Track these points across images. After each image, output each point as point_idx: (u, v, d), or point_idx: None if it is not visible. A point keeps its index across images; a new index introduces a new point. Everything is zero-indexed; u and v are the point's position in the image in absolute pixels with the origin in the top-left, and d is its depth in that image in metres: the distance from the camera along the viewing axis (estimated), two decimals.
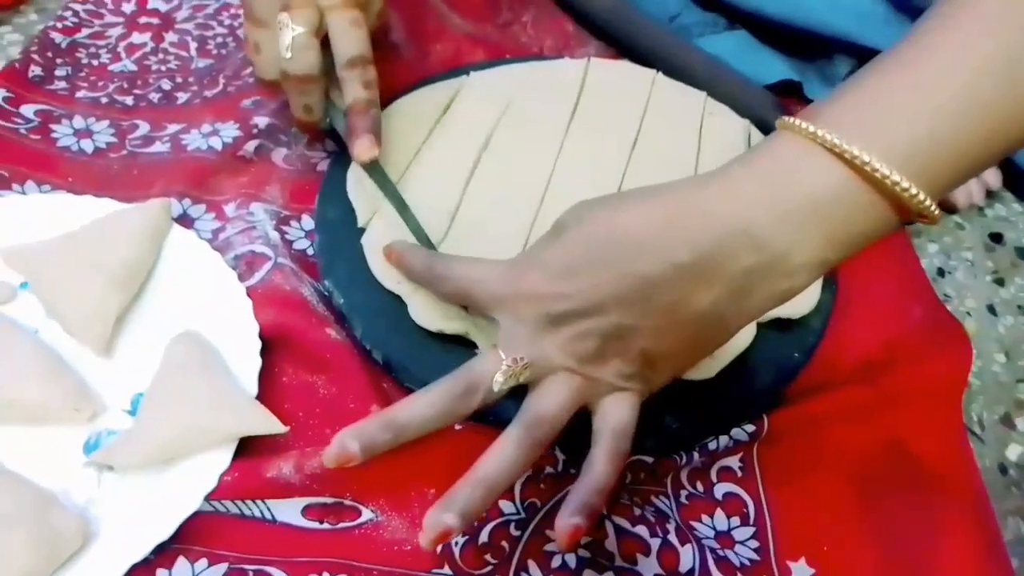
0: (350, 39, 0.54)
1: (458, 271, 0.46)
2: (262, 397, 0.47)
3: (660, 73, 0.68)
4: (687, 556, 0.43)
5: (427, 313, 0.50)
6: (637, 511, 0.44)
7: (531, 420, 0.41)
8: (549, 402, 0.42)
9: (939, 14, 0.37)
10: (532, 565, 0.42)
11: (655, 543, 0.43)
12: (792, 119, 0.38)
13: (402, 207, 0.54)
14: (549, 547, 0.43)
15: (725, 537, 0.46)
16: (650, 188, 0.41)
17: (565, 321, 0.41)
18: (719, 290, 0.38)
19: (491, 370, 0.42)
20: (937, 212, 0.37)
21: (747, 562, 0.45)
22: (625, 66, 0.70)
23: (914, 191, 0.36)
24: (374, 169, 0.55)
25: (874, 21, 0.69)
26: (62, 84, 0.65)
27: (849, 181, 0.36)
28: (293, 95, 0.56)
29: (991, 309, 0.61)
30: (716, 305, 0.38)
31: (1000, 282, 0.63)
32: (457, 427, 0.46)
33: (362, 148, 0.53)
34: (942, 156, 0.36)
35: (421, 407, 0.42)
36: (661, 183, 0.41)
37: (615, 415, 0.42)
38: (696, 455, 0.47)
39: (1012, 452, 0.52)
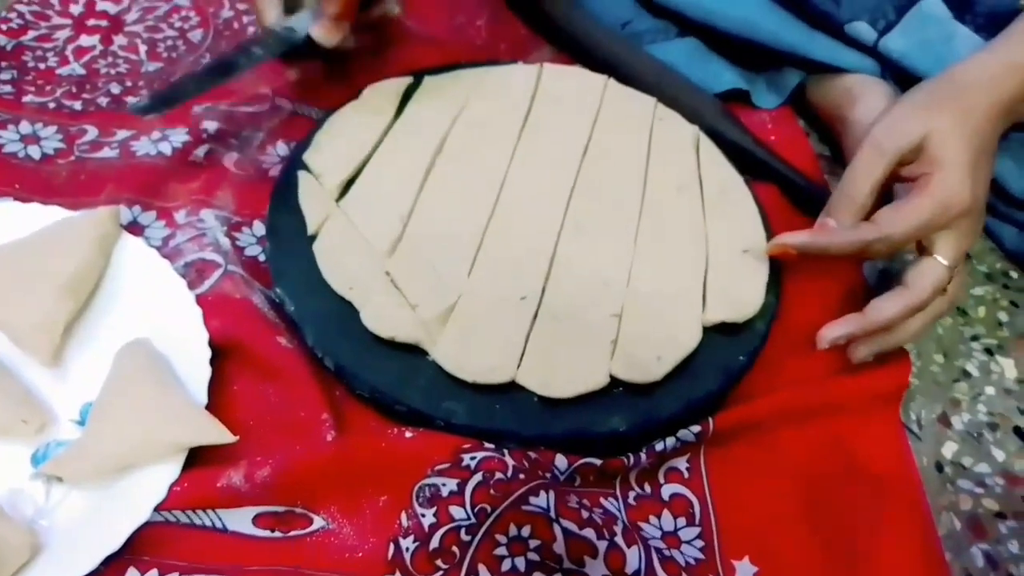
0: None
1: (898, 229, 0.51)
2: (212, 406, 0.47)
3: (612, 79, 0.69)
4: (633, 557, 0.44)
5: (379, 319, 0.51)
6: (585, 514, 0.45)
7: (943, 308, 0.55)
8: (957, 292, 0.55)
9: None
10: (482, 569, 0.43)
11: (602, 545, 0.44)
12: None
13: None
14: (499, 551, 0.44)
15: (671, 537, 0.47)
16: (942, 85, 0.54)
17: (982, 212, 0.53)
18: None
19: (945, 281, 0.52)
20: None
21: (692, 561, 0.46)
22: (577, 72, 0.70)
23: None
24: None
25: (821, 37, 0.70)
26: (7, 88, 0.64)
27: None
28: None
29: None
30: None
31: None
32: (408, 435, 0.46)
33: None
34: None
35: (890, 315, 0.52)
36: (935, 79, 0.55)
37: (959, 285, 0.56)
38: (643, 456, 0.48)
39: (948, 450, 0.54)
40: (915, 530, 0.49)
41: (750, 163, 0.66)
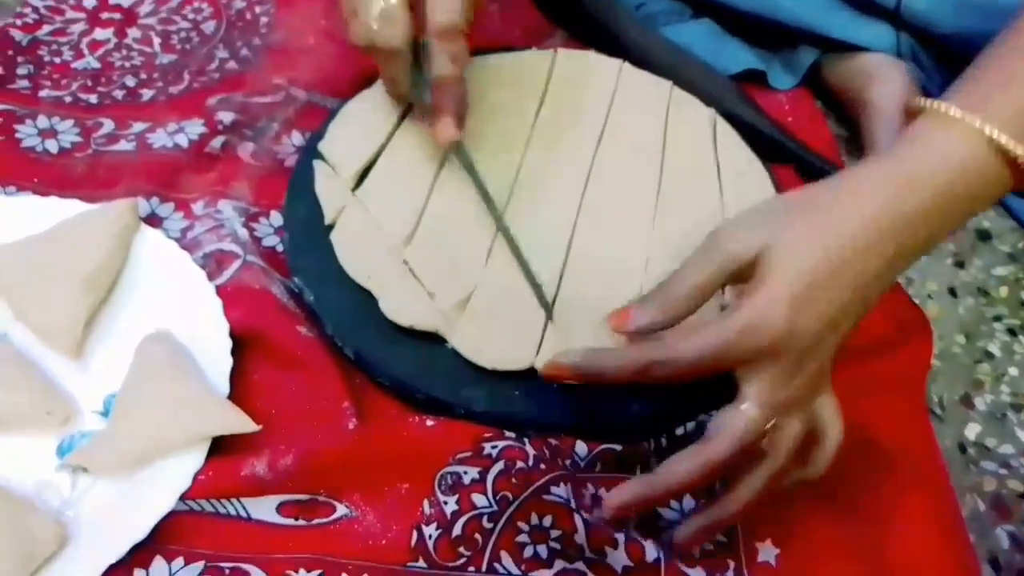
0: (444, 7, 0.51)
1: (683, 350, 0.41)
2: (234, 396, 0.48)
3: (626, 63, 0.69)
4: (651, 546, 0.44)
5: (398, 308, 0.51)
6: None
7: (783, 460, 0.42)
8: (795, 440, 0.43)
9: None
10: (505, 556, 0.43)
11: (621, 537, 0.44)
12: (929, 102, 0.43)
13: (487, 197, 0.54)
14: (521, 539, 0.44)
15: None
16: (821, 191, 0.43)
17: (812, 353, 0.41)
18: (898, 269, 0.44)
19: (753, 436, 0.41)
20: None
21: (715, 545, 0.46)
22: (592, 56, 0.70)
23: None
24: (459, 151, 0.55)
25: (839, 13, 0.70)
26: (24, 83, 0.65)
27: (988, 157, 0.42)
28: (380, 66, 0.56)
29: (952, 291, 0.62)
30: (891, 281, 0.44)
31: (960, 264, 0.64)
32: (429, 423, 0.46)
33: (443, 130, 0.53)
34: None
35: (683, 474, 0.41)
36: (816, 183, 0.44)
37: (797, 433, 0.43)
38: (664, 442, 0.48)
39: (971, 431, 0.54)
40: (939, 512, 0.49)
41: (767, 145, 0.66)
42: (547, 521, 0.44)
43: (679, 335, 0.42)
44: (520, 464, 0.45)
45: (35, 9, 0.70)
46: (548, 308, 0.51)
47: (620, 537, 0.44)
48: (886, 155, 0.44)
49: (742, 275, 0.42)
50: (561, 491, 0.45)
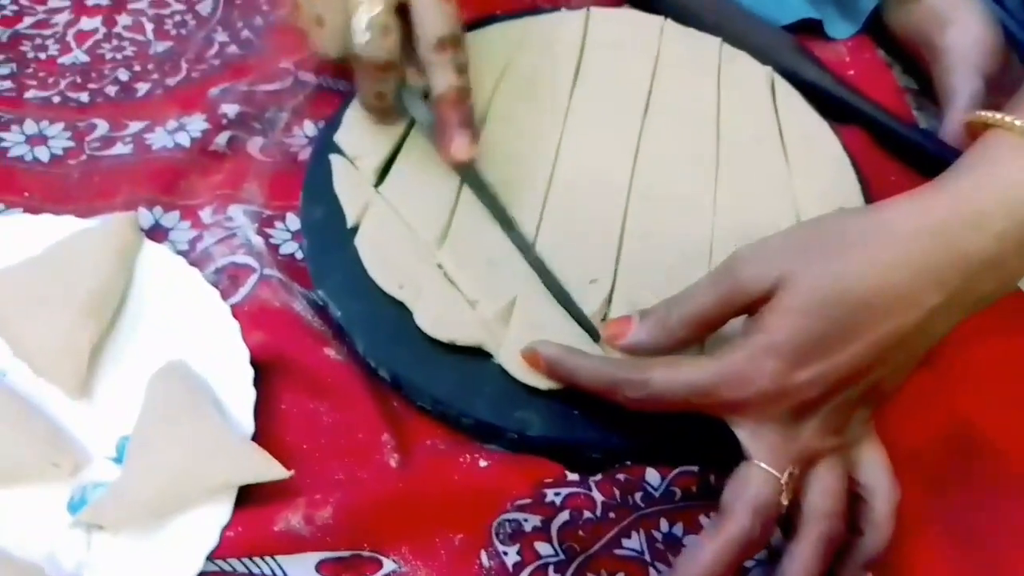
0: (439, 16, 0.47)
1: (660, 377, 0.38)
2: (260, 431, 0.43)
3: (668, 20, 0.62)
4: None
5: (435, 321, 0.45)
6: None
7: (825, 523, 0.38)
8: (830, 496, 0.38)
9: None
10: None
11: None
12: (996, 116, 0.37)
13: (506, 222, 0.48)
14: None
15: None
16: (857, 223, 0.38)
17: (818, 404, 0.37)
18: (960, 314, 0.38)
19: (768, 494, 0.37)
20: None
21: None
22: (629, 14, 0.64)
23: None
24: (467, 172, 0.49)
25: None
26: (7, 84, 0.59)
27: None
28: (364, 81, 0.50)
29: None
30: (951, 325, 0.38)
31: None
32: (482, 463, 0.41)
33: (459, 147, 0.47)
34: None
35: (708, 562, 0.36)
36: (857, 208, 0.41)
37: (830, 488, 0.39)
38: None
39: None
40: None
41: (832, 105, 0.59)
42: None
43: (664, 362, 0.39)
44: (588, 515, 0.41)
45: (14, 0, 0.64)
46: (593, 333, 0.45)
47: None
48: (941, 184, 0.37)
49: (752, 308, 0.38)
50: (634, 543, 0.40)
